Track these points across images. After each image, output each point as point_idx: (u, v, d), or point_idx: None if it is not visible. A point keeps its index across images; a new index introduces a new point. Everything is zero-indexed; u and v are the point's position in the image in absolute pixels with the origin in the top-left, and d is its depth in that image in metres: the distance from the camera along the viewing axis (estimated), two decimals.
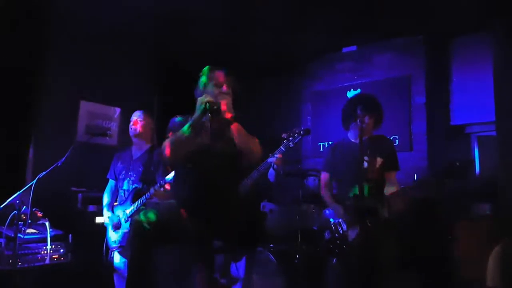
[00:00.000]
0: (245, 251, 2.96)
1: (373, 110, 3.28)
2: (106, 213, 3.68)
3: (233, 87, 2.57)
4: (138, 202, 3.47)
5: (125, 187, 3.67)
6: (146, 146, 3.76)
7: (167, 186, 3.33)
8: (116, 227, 3.58)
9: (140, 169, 3.64)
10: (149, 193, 3.42)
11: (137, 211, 3.45)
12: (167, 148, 2.45)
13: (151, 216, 2.29)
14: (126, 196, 3.62)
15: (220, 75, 2.56)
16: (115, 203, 3.75)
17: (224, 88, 2.51)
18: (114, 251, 3.60)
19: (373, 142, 3.28)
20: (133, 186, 3.61)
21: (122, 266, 3.53)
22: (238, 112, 2.62)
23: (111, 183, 3.84)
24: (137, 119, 3.74)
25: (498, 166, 3.80)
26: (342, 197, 3.27)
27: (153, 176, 3.59)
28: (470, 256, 3.25)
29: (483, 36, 4.46)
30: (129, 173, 3.67)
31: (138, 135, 3.74)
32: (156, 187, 3.37)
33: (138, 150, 3.77)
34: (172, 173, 3.28)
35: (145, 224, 2.24)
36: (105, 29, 4.64)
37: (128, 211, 3.52)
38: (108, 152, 4.45)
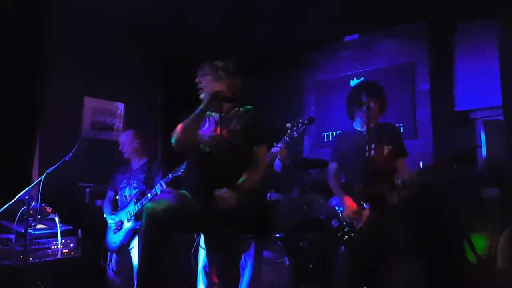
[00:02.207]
0: (254, 240, 2.98)
1: (378, 95, 3.26)
2: (109, 218, 3.79)
3: (225, 75, 2.57)
4: (142, 202, 3.56)
5: (126, 193, 3.81)
6: (143, 160, 3.94)
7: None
8: (119, 228, 3.67)
9: (141, 176, 3.80)
10: (153, 192, 3.51)
11: (141, 210, 3.50)
12: (177, 133, 2.47)
13: (163, 202, 2.29)
14: (128, 201, 3.72)
15: (206, 66, 2.58)
16: (114, 212, 3.85)
17: (208, 78, 2.53)
18: (113, 254, 3.70)
19: (379, 130, 3.27)
20: (137, 190, 3.72)
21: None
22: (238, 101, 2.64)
23: (110, 194, 3.98)
24: (129, 141, 3.91)
25: (505, 149, 3.79)
26: (350, 186, 3.27)
27: (153, 183, 3.71)
28: (480, 240, 3.25)
29: (486, 21, 4.42)
30: (130, 181, 3.83)
31: (132, 153, 3.92)
32: (163, 181, 3.47)
33: (137, 163, 3.96)
34: (177, 169, 3.34)
35: (156, 211, 2.24)
36: (107, 25, 4.63)
37: (133, 212, 3.60)
38: (113, 147, 4.47)
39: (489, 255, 2.93)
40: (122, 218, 3.68)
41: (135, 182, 3.80)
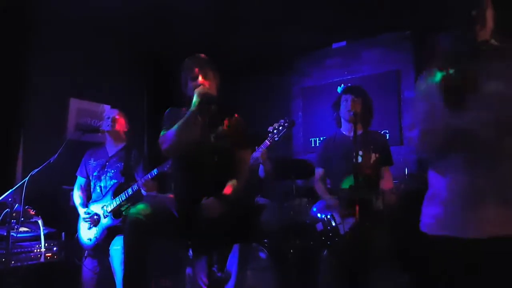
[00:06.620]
0: (238, 245, 2.97)
1: (357, 93, 3.29)
2: (82, 209, 3.57)
3: (210, 74, 2.57)
4: (120, 197, 3.41)
5: (102, 183, 3.58)
6: (121, 145, 3.71)
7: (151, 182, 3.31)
8: (94, 223, 3.47)
9: (119, 164, 3.57)
10: (134, 187, 3.36)
11: (119, 206, 3.40)
12: (162, 144, 2.46)
13: (146, 208, 2.28)
14: (104, 192, 3.54)
15: (189, 65, 2.57)
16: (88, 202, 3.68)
17: (200, 79, 2.51)
18: (87, 252, 3.52)
19: (367, 137, 3.30)
20: (114, 181, 3.53)
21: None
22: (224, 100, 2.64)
23: (80, 180, 3.74)
24: (115, 116, 3.69)
25: None
26: (336, 191, 3.29)
27: (132, 174, 3.56)
28: None
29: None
30: (106, 169, 3.60)
31: (113, 133, 3.67)
32: (140, 182, 3.33)
33: (113, 147, 3.71)
34: (163, 164, 3.27)
35: (141, 217, 2.23)
36: (93, 27, 4.60)
37: (110, 207, 3.43)
38: None
39: None
40: (97, 212, 3.47)
41: (112, 171, 3.56)
